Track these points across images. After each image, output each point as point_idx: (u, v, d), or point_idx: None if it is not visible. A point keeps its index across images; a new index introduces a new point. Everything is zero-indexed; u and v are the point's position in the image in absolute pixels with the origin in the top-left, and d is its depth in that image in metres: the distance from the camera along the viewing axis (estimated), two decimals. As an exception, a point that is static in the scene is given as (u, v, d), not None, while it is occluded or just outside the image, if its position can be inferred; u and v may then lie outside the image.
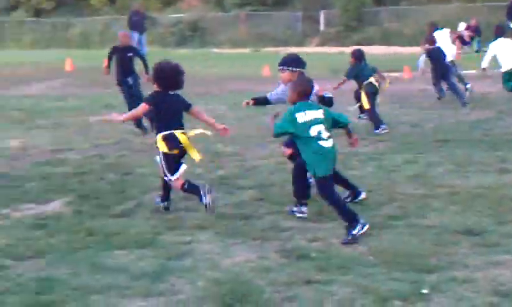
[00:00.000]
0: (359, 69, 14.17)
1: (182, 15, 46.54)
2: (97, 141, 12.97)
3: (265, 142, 12.52)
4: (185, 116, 8.34)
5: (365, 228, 7.17)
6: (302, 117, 7.38)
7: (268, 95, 9.26)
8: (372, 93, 13.98)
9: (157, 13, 46.72)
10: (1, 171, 10.50)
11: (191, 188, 8.10)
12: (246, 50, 39.41)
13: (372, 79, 14.00)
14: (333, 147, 7.46)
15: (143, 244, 6.94)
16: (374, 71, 14.19)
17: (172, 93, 8.23)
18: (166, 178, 8.15)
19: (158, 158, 8.18)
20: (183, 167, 8.16)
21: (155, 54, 36.02)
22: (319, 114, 7.46)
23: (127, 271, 6.20)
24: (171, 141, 8.04)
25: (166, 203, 8.38)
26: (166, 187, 8.31)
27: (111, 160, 11.22)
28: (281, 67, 8.76)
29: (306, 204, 8.07)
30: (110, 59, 14.63)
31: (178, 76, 8.32)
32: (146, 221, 7.83)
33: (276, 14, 44.80)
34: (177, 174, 8.06)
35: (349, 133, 7.94)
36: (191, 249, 6.83)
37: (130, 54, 14.21)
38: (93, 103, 18.28)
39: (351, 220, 7.20)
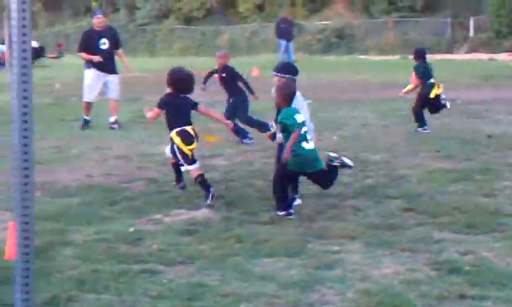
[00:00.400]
0: (424, 68, 14.73)
1: (328, 22, 46.56)
2: (245, 147, 13.10)
3: (413, 151, 12.33)
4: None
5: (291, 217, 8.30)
6: (298, 118, 8.35)
7: None
8: (426, 95, 14.48)
9: (303, 21, 46.94)
10: (152, 176, 10.76)
11: (203, 183, 9.09)
12: (393, 57, 38.96)
13: (433, 81, 14.56)
14: (312, 150, 8.38)
15: (291, 252, 6.93)
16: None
17: (182, 95, 9.39)
18: (182, 168, 9.23)
19: (168, 149, 9.57)
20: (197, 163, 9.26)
21: (301, 61, 36.27)
22: (302, 117, 8.42)
23: (275, 279, 6.20)
24: (184, 136, 9.15)
25: (181, 183, 9.61)
26: (178, 170, 9.45)
27: (258, 167, 11.30)
28: (274, 73, 9.25)
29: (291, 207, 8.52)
30: (207, 78, 14.84)
31: (190, 82, 9.45)
32: (295, 229, 7.81)
33: (424, 20, 44.12)
34: (193, 166, 9.16)
35: None
36: (339, 258, 6.77)
37: (224, 75, 14.21)
38: (240, 109, 18.47)
39: (283, 204, 8.39)
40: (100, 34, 15.92)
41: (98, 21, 16.07)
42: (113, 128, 15.74)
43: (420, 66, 14.75)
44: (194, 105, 9.42)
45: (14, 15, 3.78)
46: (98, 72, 15.96)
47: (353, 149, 12.54)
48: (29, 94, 3.94)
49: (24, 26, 3.77)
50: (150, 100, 21.42)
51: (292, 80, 8.93)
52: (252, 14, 50.88)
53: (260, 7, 51.32)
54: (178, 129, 9.21)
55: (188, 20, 53.38)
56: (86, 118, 16.09)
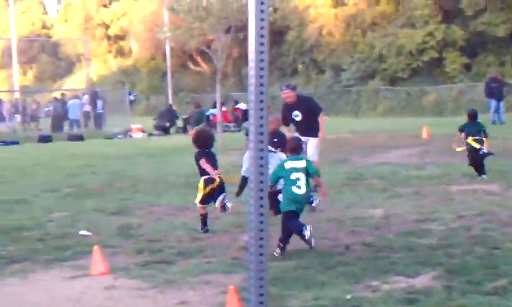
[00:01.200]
0: (465, 126, 17.03)
1: (539, 80, 44.85)
2: (460, 211, 12.62)
3: None
4: None
5: (277, 253, 9.82)
6: (288, 164, 10.12)
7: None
8: (469, 150, 16.73)
9: (513, 80, 45.51)
10: (367, 241, 10.54)
11: (202, 220, 11.73)
12: None
13: (469, 139, 16.66)
14: (303, 194, 10.04)
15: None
16: (482, 131, 16.75)
17: (207, 150, 11.78)
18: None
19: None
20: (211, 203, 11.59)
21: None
22: (301, 164, 10.14)
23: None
24: (208, 182, 11.44)
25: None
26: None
27: (477, 233, 10.81)
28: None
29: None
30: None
31: (210, 140, 12.10)
32: (525, 301, 7.35)
33: None
34: (202, 205, 11.62)
35: (319, 183, 10.96)
36: None
37: (275, 140, 13.50)
38: (451, 171, 17.98)
39: (282, 245, 9.90)
40: (292, 107, 16.03)
41: (284, 96, 16.17)
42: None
43: (464, 126, 17.11)
44: (215, 160, 11.75)
45: (252, 81, 3.81)
46: (301, 136, 16.05)
47: None
48: (265, 158, 3.92)
49: (261, 93, 3.78)
50: (356, 161, 21.39)
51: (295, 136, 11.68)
52: (459, 74, 49.92)
53: (467, 67, 50.32)
54: (207, 177, 11.48)
55: (393, 81, 53.12)
56: None
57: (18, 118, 51.28)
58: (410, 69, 52.20)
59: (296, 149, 10.43)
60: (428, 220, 11.96)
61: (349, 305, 7.39)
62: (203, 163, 11.48)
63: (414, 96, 50.22)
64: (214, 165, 11.58)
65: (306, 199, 10.58)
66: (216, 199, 11.51)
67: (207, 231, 11.61)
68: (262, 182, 4.09)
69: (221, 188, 11.54)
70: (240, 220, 12.10)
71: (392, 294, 7.75)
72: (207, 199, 11.58)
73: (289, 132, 16.44)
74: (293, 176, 9.95)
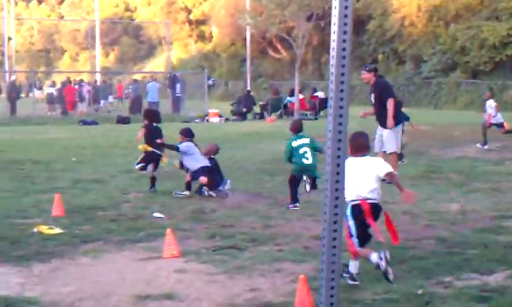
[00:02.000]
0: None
1: None
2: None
3: None
4: None
5: (296, 208, 12.53)
6: (295, 143, 12.67)
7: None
8: None
9: None
10: (441, 235, 10.35)
11: (151, 180, 14.73)
12: None
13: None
14: (310, 164, 12.57)
15: None
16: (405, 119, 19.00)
17: (155, 124, 15.13)
18: (134, 165, 15.20)
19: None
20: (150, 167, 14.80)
21: None
22: (306, 140, 12.68)
23: None
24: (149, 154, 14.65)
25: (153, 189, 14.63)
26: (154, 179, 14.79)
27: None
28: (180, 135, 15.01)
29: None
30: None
31: (158, 116, 16.04)
32: None
33: None
34: (139, 166, 14.91)
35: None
36: None
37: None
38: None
39: (292, 199, 12.66)
40: (371, 89, 15.86)
41: (362, 77, 16.07)
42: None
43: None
44: (160, 133, 14.87)
45: (332, 70, 3.80)
46: (378, 125, 15.86)
47: None
48: (343, 150, 3.86)
49: (342, 82, 3.73)
50: (434, 154, 21.07)
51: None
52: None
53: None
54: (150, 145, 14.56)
55: (475, 74, 52.16)
56: None
57: (110, 98, 52.13)
58: (493, 62, 51.13)
59: (299, 130, 12.88)
60: (505, 217, 11.69)
61: (420, 300, 7.27)
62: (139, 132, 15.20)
63: (496, 90, 49.22)
64: (159, 137, 14.65)
65: (313, 167, 12.66)
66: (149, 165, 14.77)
67: (154, 191, 14.47)
68: (338, 173, 4.03)
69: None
70: (313, 210, 12.04)
71: (465, 291, 7.58)
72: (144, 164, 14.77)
73: (366, 113, 16.34)
74: (301, 150, 12.55)
